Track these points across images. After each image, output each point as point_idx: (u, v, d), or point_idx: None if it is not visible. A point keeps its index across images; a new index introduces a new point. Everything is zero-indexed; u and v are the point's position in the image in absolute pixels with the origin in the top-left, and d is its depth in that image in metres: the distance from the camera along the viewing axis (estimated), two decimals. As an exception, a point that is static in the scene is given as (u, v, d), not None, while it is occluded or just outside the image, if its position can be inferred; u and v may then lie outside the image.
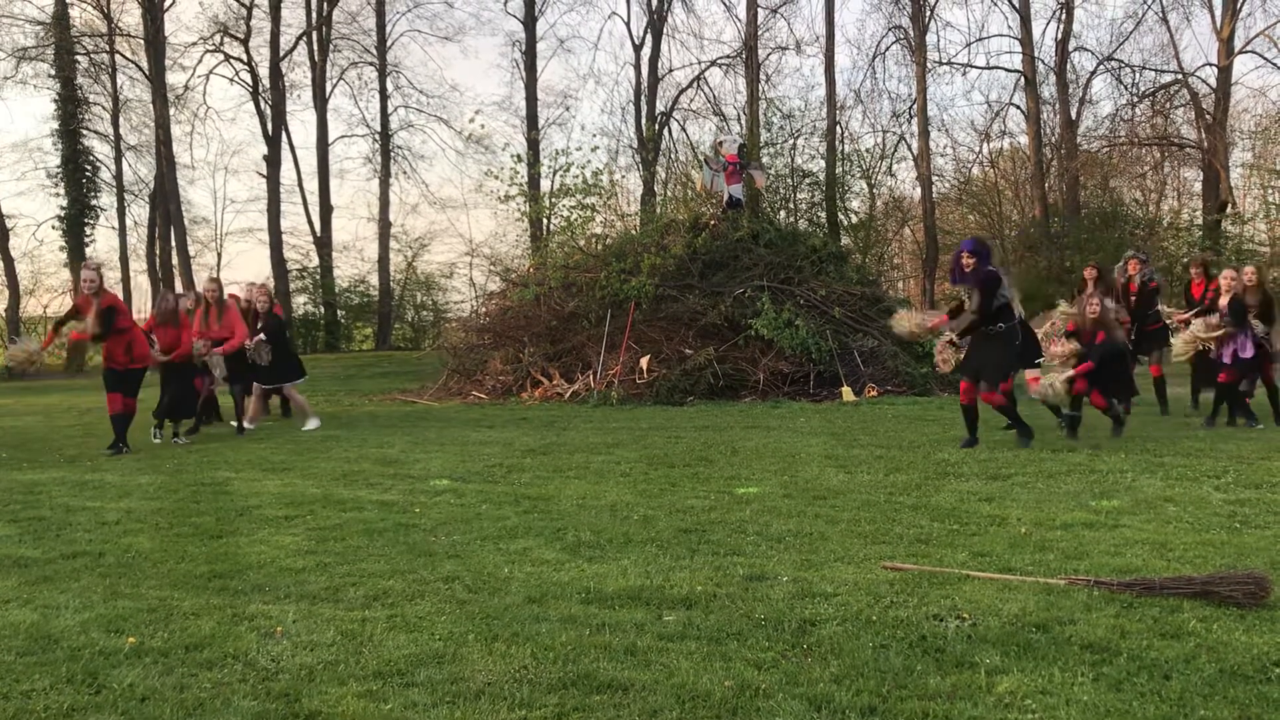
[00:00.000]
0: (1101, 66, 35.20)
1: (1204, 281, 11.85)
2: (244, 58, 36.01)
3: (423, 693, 3.53)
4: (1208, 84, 33.29)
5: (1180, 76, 33.94)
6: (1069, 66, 34.62)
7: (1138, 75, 34.75)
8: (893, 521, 6.20)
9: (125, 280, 35.90)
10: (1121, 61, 34.87)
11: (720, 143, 19.86)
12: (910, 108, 36.04)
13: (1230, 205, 32.10)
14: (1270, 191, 34.70)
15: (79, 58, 33.59)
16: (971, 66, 37.23)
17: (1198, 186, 35.41)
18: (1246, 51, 32.63)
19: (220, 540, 6.07)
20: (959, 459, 8.65)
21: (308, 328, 37.15)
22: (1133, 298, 12.19)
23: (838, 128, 34.80)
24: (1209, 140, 32.61)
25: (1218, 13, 32.24)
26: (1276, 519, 6.00)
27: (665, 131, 36.76)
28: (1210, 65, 33.18)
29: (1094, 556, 5.21)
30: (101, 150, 35.16)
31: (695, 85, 37.27)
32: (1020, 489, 7.23)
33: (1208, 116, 32.74)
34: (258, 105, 36.29)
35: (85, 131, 34.04)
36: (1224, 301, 10.47)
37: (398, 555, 5.59)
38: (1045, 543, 5.53)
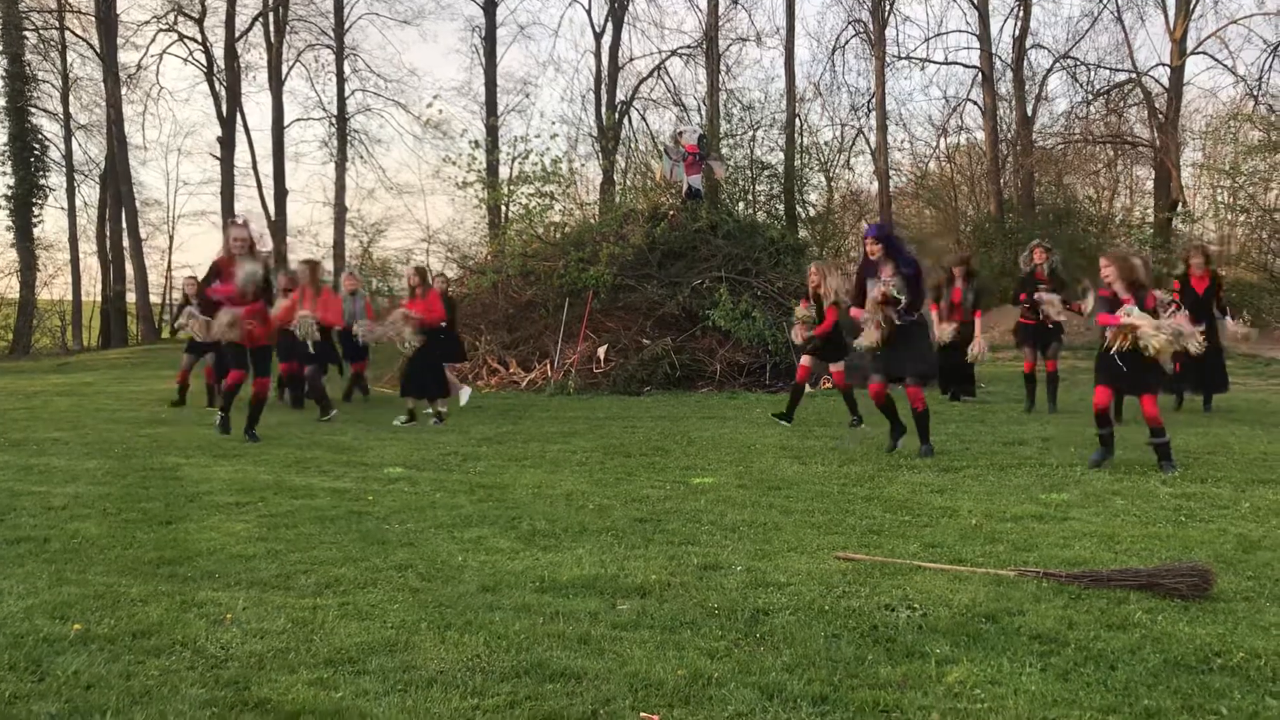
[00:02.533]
0: (1058, 64, 35.59)
1: (1207, 274, 11.58)
2: (198, 37, 35.48)
3: (374, 681, 3.51)
4: (1161, 84, 33.77)
5: (1134, 76, 34.40)
6: (1026, 63, 34.96)
7: (1093, 73, 35.19)
8: (846, 512, 6.24)
9: (75, 261, 35.32)
10: (1077, 60, 35.30)
11: (680, 133, 19.86)
12: (869, 102, 36.23)
13: (1181, 204, 32.58)
14: (1219, 191, 35.28)
15: (27, 34, 32.88)
16: (930, 62, 37.50)
17: (1150, 185, 35.90)
18: (1198, 52, 33.12)
19: (170, 526, 5.99)
20: (912, 450, 8.72)
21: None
22: (1040, 287, 11.84)
23: (797, 120, 34.90)
24: (1161, 139, 33.09)
25: (1171, 13, 32.70)
26: (1221, 513, 6.11)
27: (625, 120, 36.69)
28: (1163, 65, 33.65)
29: (1043, 548, 5.27)
30: (50, 129, 34.45)
31: (656, 75, 37.23)
32: (971, 481, 7.30)
33: (1160, 116, 33.21)
34: (212, 86, 35.76)
35: (33, 109, 33.34)
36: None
37: (350, 543, 5.55)
38: (995, 534, 5.59)
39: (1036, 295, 11.62)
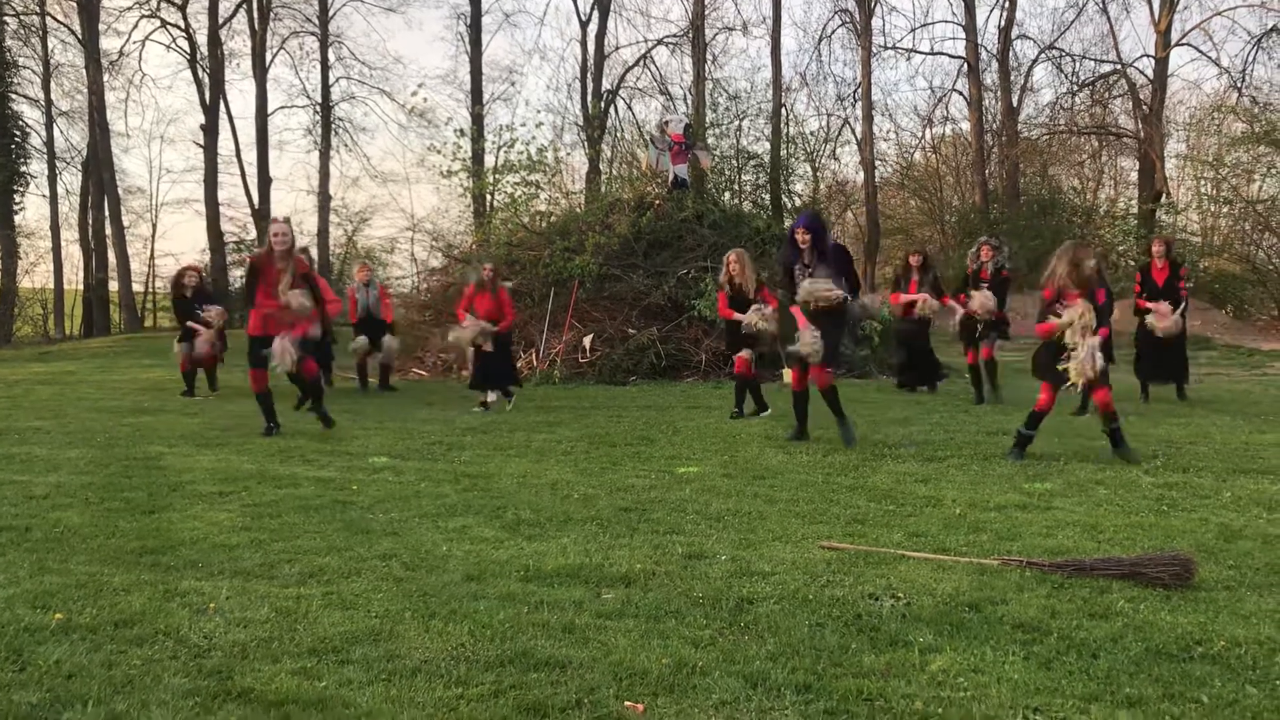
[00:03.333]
0: (1043, 55, 35.70)
1: (1167, 265, 11.64)
2: (181, 24, 35.23)
3: (358, 670, 3.50)
4: (1145, 75, 33.91)
5: (1119, 67, 34.51)
6: (1011, 54, 35.05)
7: (1078, 64, 35.31)
8: (830, 502, 6.25)
9: (56, 249, 35.10)
10: (1062, 50, 35.40)
11: (666, 122, 19.81)
12: (855, 91, 36.25)
13: (1165, 195, 32.72)
14: (1203, 183, 35.45)
15: (7, 19, 32.58)
16: (916, 52, 37.62)
17: (1134, 176, 36.05)
18: (1182, 44, 33.25)
19: (152, 516, 5.96)
20: (896, 440, 8.74)
21: (243, 302, 36.59)
22: (984, 285, 11.78)
23: (783, 110, 34.88)
24: (1145, 131, 33.22)
25: (1155, 5, 32.79)
26: (1203, 503, 6.15)
27: (611, 109, 36.62)
28: (1148, 56, 33.78)
29: (1026, 538, 5.29)
30: (31, 115, 34.19)
31: (642, 64, 37.17)
32: (955, 471, 7.33)
33: (1144, 107, 33.34)
34: (195, 73, 35.54)
35: (14, 96, 33.04)
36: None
37: (334, 532, 5.53)
38: (979, 524, 5.61)
39: (968, 292, 11.76)
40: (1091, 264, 7.65)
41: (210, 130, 34.96)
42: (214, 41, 34.62)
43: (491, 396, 11.85)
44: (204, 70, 35.18)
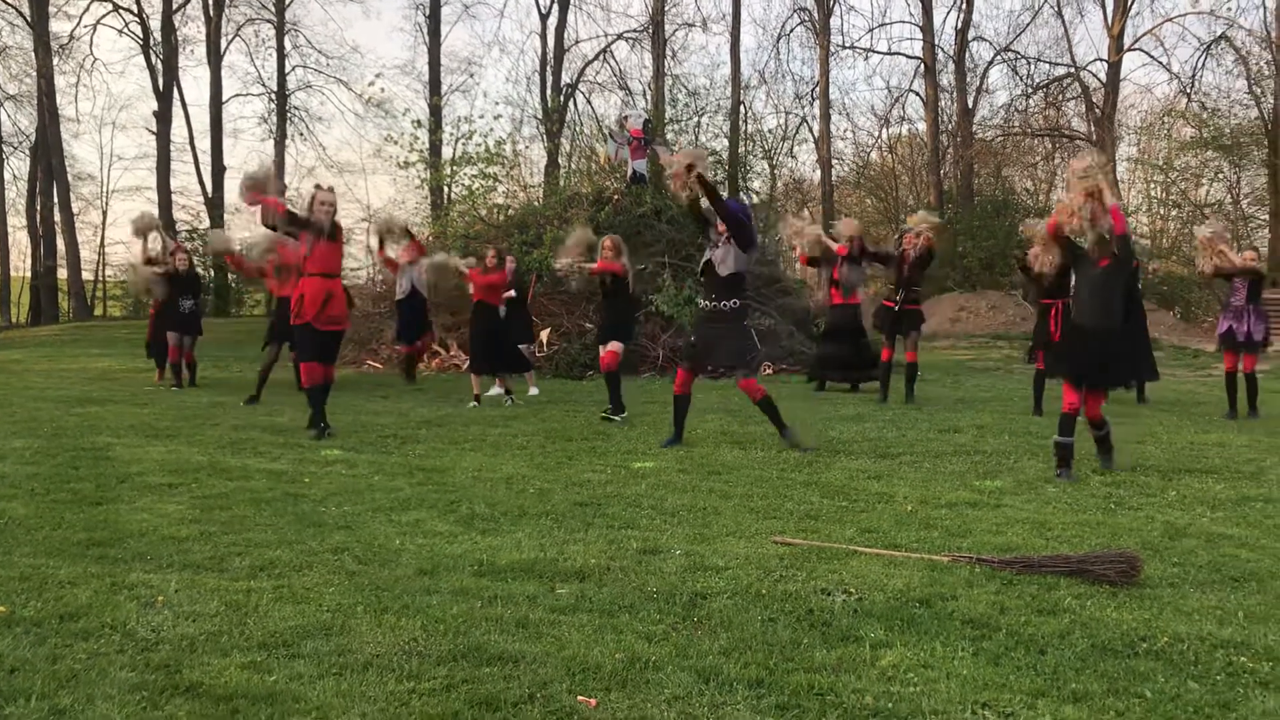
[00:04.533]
0: (998, 57, 36.12)
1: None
2: (134, 8, 34.75)
3: (308, 664, 3.47)
4: (1098, 78, 34.41)
5: (1073, 70, 34.99)
6: (967, 55, 35.42)
7: (1033, 67, 35.78)
8: (784, 497, 6.29)
9: (3, 236, 34.45)
10: (1018, 53, 35.84)
11: (625, 117, 19.80)
12: (813, 90, 36.49)
13: (1116, 198, 33.18)
14: (1153, 186, 36.04)
15: (-46, 1, 31.99)
16: (873, 51, 37.93)
17: (1086, 178, 36.44)
18: (1135, 49, 33.78)
19: (100, 507, 5.87)
20: (850, 437, 8.81)
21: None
22: (905, 269, 11.89)
23: (742, 107, 35.01)
24: (1098, 133, 33.70)
25: (1109, 10, 33.28)
26: (1149, 501, 6.25)
27: (570, 103, 36.55)
28: (1101, 60, 34.28)
29: (976, 534, 5.35)
30: (-23, 99, 33.59)
31: (601, 58, 37.15)
32: (908, 468, 7.40)
33: (1097, 110, 33.84)
34: (148, 59, 35.06)
35: (-40, 79, 32.46)
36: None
37: (286, 525, 5.48)
38: (930, 520, 5.67)
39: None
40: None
41: (163, 117, 34.49)
42: (167, 27, 34.15)
43: (495, 389, 11.85)
44: (157, 56, 34.71)
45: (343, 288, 9.04)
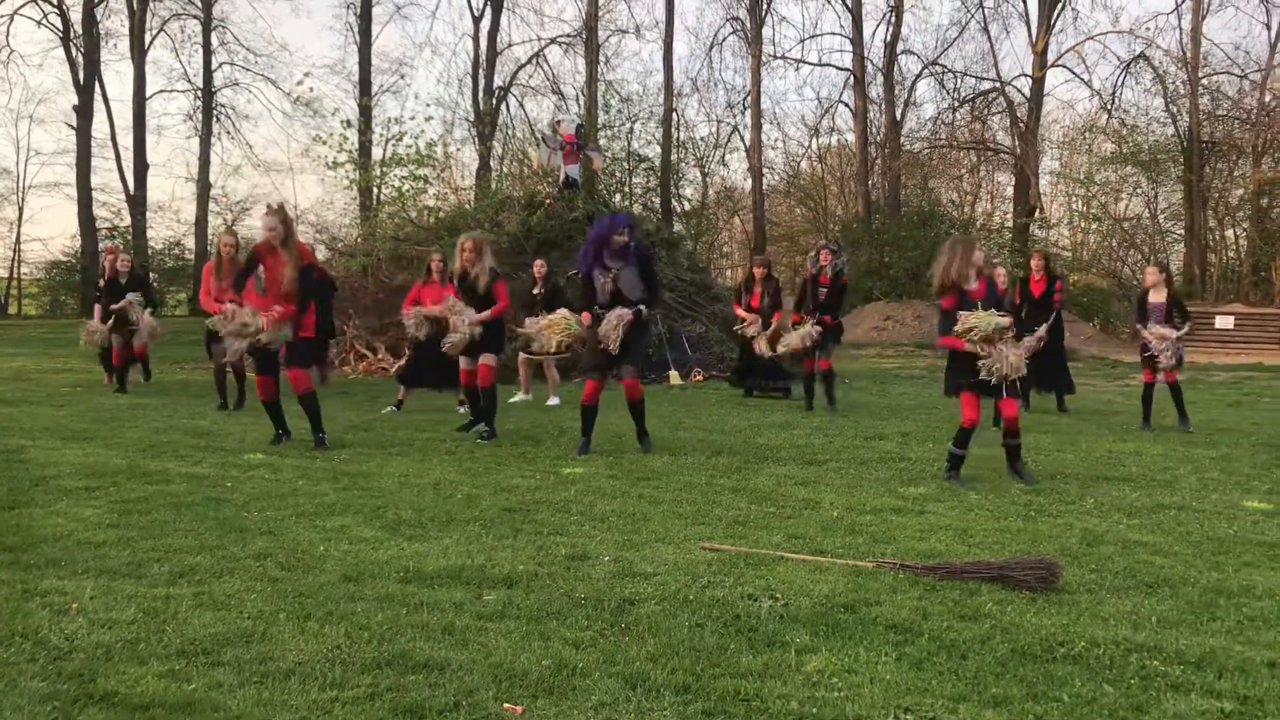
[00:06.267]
0: (926, 70, 36.74)
1: (1045, 277, 11.85)
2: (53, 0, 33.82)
3: (229, 672, 3.40)
4: (1023, 93, 35.15)
5: (998, 85, 35.69)
6: (896, 68, 35.99)
7: (959, 81, 36.45)
8: (713, 503, 6.32)
9: (-88, 231, 33.35)
10: (945, 67, 36.49)
11: (558, 121, 19.80)
12: (744, 99, 36.79)
13: (1039, 210, 33.95)
14: (1074, 199, 36.90)
15: None
16: (804, 63, 38.33)
17: (1010, 191, 37.34)
18: (1058, 65, 34.56)
19: (12, 511, 5.71)
20: (778, 444, 8.88)
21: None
22: (822, 290, 11.82)
23: (674, 114, 35.16)
24: (1021, 147, 34.40)
25: (1033, 27, 34.02)
26: (1068, 508, 6.39)
27: (503, 107, 36.44)
28: (1025, 76, 35.03)
29: (900, 540, 5.43)
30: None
31: (534, 62, 37.08)
32: (834, 474, 7.47)
33: (1021, 124, 34.54)
34: (68, 52, 34.19)
35: None
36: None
37: (207, 530, 5.37)
38: (855, 526, 5.73)
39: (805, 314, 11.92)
40: (979, 255, 7.22)
41: (84, 112, 33.68)
42: (89, 20, 33.36)
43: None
44: (78, 49, 33.88)
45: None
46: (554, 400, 12.50)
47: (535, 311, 11.27)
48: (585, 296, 8.48)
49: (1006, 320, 7.03)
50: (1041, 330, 7.93)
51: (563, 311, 9.47)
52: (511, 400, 12.31)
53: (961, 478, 7.25)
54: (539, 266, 12.92)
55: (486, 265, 9.19)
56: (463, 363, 9.48)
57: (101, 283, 13.63)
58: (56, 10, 33.97)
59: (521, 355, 12.59)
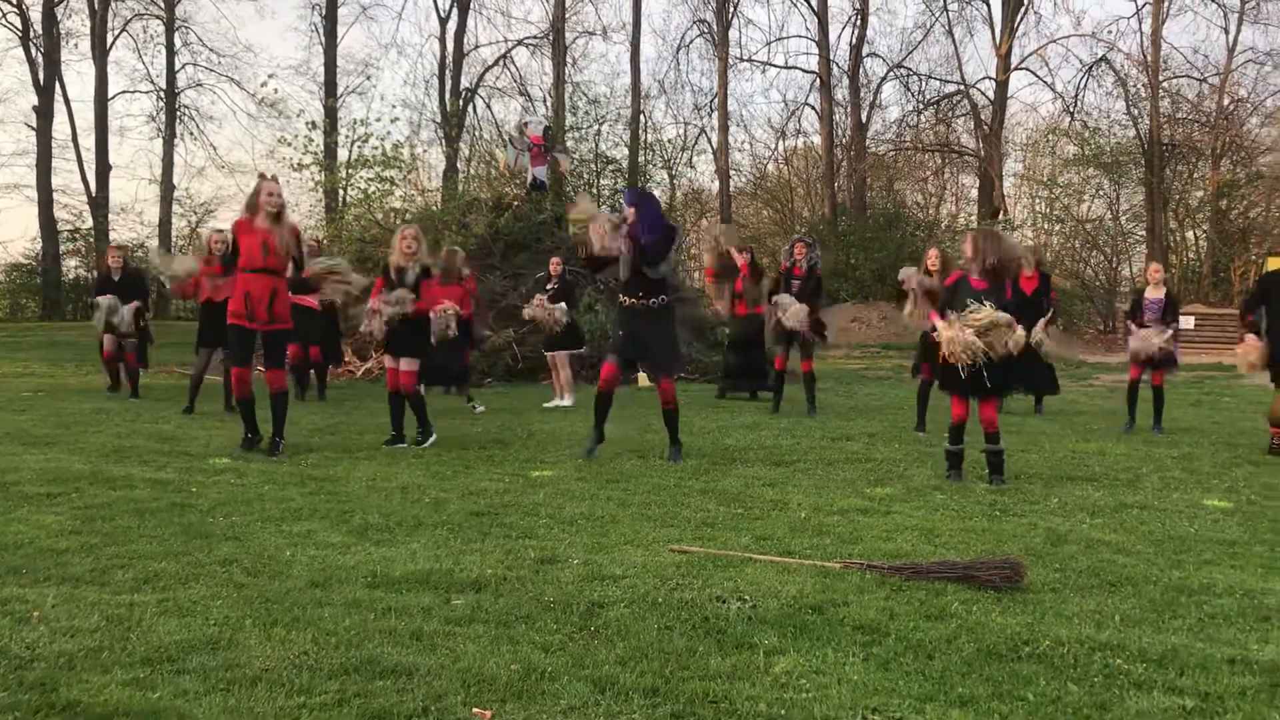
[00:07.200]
0: (891, 73, 36.99)
1: (1036, 275, 11.72)
2: (12, -2, 33.37)
3: (195, 680, 3.38)
4: (986, 96, 35.49)
5: (962, 88, 36.01)
6: (861, 71, 36.21)
7: (924, 84, 36.75)
8: (681, 505, 6.33)
9: None
10: (910, 70, 36.78)
11: (525, 123, 19.74)
12: (711, 101, 36.89)
13: (1002, 212, 34.27)
14: (1038, 201, 37.27)
15: None
16: (771, 65, 38.49)
17: (974, 193, 37.67)
18: (1021, 68, 34.93)
19: (-29, 519, 5.63)
20: (746, 445, 8.91)
21: (79, 293, 34.86)
22: (795, 282, 11.71)
23: (641, 116, 35.21)
24: (985, 149, 34.73)
25: (997, 30, 34.35)
26: (1032, 508, 6.45)
27: (470, 108, 36.33)
28: (989, 79, 35.37)
29: (867, 541, 5.46)
30: None
31: (501, 63, 37.00)
32: (802, 475, 7.51)
33: (985, 127, 34.87)
34: (28, 52, 33.74)
35: None
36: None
37: (171, 536, 5.32)
38: (823, 527, 5.76)
39: (775, 299, 11.71)
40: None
41: (44, 113, 33.26)
42: (49, 19, 32.96)
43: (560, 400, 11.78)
44: (38, 49, 33.45)
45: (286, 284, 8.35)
46: (566, 401, 12.44)
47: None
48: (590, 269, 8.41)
49: (1006, 317, 7.01)
50: (1041, 323, 7.97)
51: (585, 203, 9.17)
52: (548, 405, 12.34)
53: (964, 474, 7.34)
54: (555, 264, 12.89)
55: (422, 257, 9.04)
56: (387, 362, 9.22)
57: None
58: (15, 9, 33.52)
59: (550, 356, 12.60)
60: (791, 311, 11.42)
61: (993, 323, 6.95)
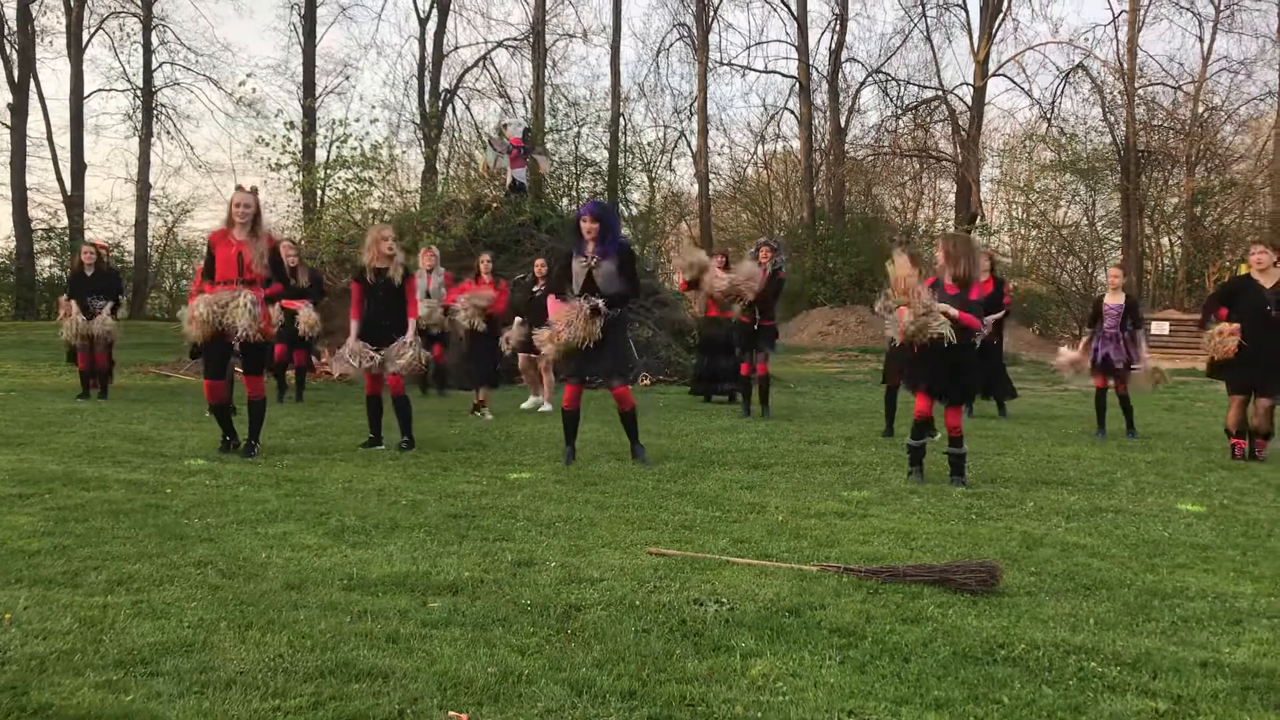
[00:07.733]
0: (870, 78, 37.15)
1: (991, 279, 11.57)
2: (-14, -5, 33.08)
3: (168, 683, 3.35)
4: (964, 102, 35.70)
5: (940, 93, 36.20)
6: (840, 76, 36.37)
7: (903, 89, 36.94)
8: (659, 508, 6.33)
9: None
10: (888, 75, 36.96)
11: (505, 125, 19.74)
12: (691, 105, 36.94)
13: (980, 217, 34.49)
14: (1014, 207, 37.52)
15: None
16: (750, 69, 38.74)
17: (951, 198, 37.89)
18: (999, 75, 35.14)
19: (-58, 520, 5.57)
20: (724, 448, 8.92)
21: (53, 292, 34.58)
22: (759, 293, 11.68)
23: (621, 119, 35.22)
24: (963, 155, 34.92)
25: (975, 37, 34.56)
26: (1008, 512, 6.48)
27: (449, 109, 36.26)
28: (967, 85, 35.59)
29: (844, 544, 5.47)
30: None
31: (481, 65, 36.96)
32: (779, 478, 7.52)
33: (963, 132, 35.07)
34: (2, 49, 33.44)
35: None
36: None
37: (146, 538, 5.28)
38: (800, 530, 5.77)
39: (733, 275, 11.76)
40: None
41: (19, 110, 32.98)
42: (24, 16, 32.68)
43: (481, 394, 11.65)
44: (12, 46, 33.16)
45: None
46: (547, 407, 12.37)
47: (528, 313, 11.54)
48: (558, 279, 8.29)
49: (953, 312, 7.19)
50: (991, 320, 8.09)
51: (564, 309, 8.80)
52: (525, 406, 12.35)
53: (923, 472, 7.44)
54: (539, 265, 12.86)
55: (399, 261, 8.88)
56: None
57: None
58: (-10, 5, 33.24)
59: (523, 357, 12.55)
60: (744, 269, 11.52)
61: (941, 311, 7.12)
